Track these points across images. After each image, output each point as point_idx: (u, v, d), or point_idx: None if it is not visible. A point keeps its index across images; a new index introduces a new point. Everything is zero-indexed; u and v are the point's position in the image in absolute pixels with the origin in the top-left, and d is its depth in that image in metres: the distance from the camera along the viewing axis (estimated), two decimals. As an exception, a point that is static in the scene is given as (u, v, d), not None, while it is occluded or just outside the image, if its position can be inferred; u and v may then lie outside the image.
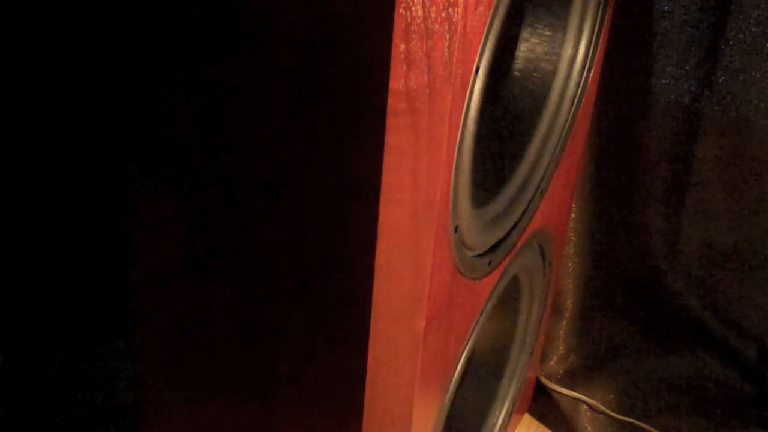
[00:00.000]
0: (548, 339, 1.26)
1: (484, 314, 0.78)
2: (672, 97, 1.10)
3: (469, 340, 0.77)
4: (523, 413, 1.21)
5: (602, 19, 0.83)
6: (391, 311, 0.64)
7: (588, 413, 1.21)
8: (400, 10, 0.51)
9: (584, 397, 1.21)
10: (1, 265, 0.95)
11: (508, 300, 0.95)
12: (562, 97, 0.82)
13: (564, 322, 1.28)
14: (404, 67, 0.53)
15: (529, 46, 0.82)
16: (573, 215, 1.22)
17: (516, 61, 0.83)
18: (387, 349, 0.66)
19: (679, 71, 1.08)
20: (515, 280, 0.91)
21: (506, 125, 0.81)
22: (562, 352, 1.28)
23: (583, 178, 1.19)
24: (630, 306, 1.29)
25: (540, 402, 1.23)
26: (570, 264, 1.25)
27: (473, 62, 0.57)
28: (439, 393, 0.76)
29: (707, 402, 1.22)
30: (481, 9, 0.55)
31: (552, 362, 1.26)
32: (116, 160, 0.75)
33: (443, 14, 0.51)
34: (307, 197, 0.63)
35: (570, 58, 0.82)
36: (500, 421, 1.03)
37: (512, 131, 0.81)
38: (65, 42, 0.88)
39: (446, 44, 0.52)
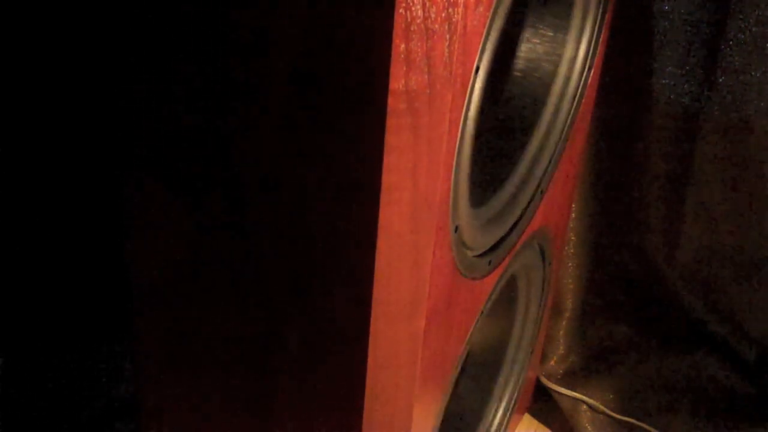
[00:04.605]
0: (548, 339, 1.25)
1: (483, 314, 0.78)
2: (672, 97, 1.10)
3: (468, 339, 0.77)
4: (523, 413, 1.21)
5: (602, 20, 0.83)
6: (391, 311, 0.64)
7: (588, 413, 1.21)
8: (400, 10, 0.51)
9: (584, 397, 1.21)
10: (1, 264, 0.95)
11: (508, 300, 0.95)
12: (562, 97, 0.82)
13: (564, 322, 1.28)
14: (404, 67, 0.53)
15: (530, 47, 0.82)
16: (573, 215, 1.22)
17: (517, 61, 0.83)
18: (387, 349, 0.66)
19: (679, 71, 1.08)
20: (515, 279, 0.91)
21: (506, 125, 0.81)
22: (562, 352, 1.28)
23: (583, 178, 1.19)
24: (630, 306, 1.29)
25: (540, 402, 1.23)
26: (570, 264, 1.25)
27: (473, 62, 0.57)
28: (438, 392, 0.76)
29: (707, 402, 1.22)
30: (481, 9, 0.55)
31: (552, 362, 1.26)
32: (115, 161, 0.75)
33: (443, 14, 0.51)
34: (306, 197, 0.63)
35: (571, 58, 0.82)
36: (499, 420, 1.03)
37: (512, 131, 0.81)
38: (66, 41, 0.88)
39: (446, 44, 0.53)
